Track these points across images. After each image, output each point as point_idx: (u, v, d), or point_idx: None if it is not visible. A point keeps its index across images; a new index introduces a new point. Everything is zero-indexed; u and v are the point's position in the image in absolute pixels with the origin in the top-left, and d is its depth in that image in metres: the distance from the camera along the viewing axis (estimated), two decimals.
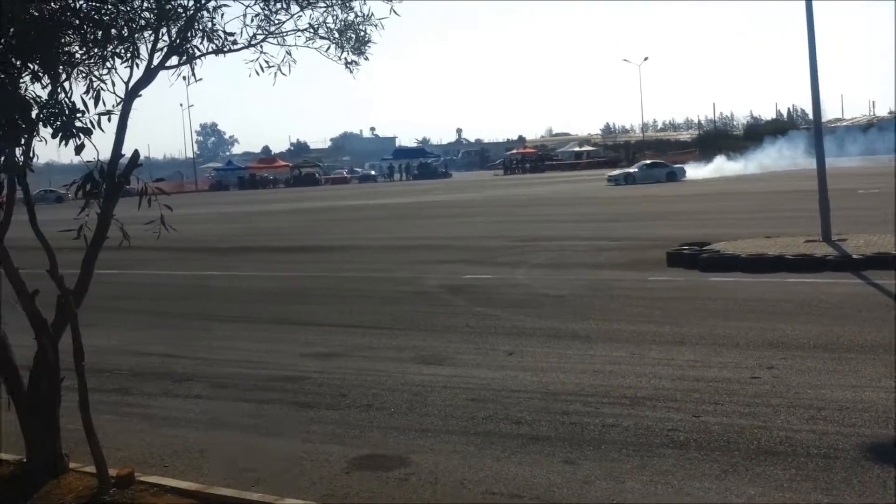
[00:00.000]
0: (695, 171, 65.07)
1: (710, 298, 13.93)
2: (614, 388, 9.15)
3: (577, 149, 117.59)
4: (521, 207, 40.51)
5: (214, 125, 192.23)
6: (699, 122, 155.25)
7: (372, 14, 7.36)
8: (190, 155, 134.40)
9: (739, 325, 11.72)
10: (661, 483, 6.59)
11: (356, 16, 7.36)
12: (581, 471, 6.93)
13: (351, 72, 7.64)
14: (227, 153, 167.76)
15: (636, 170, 62.44)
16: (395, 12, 7.32)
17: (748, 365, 9.69)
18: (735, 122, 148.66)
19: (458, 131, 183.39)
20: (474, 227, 30.59)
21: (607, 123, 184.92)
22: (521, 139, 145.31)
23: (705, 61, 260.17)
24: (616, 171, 65.01)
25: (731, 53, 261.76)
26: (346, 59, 7.54)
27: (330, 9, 7.30)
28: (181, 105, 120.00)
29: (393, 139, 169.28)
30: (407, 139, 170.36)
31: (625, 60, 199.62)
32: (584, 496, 6.46)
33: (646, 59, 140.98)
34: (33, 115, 6.01)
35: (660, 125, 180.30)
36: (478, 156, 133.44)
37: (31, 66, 6.04)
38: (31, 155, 6.36)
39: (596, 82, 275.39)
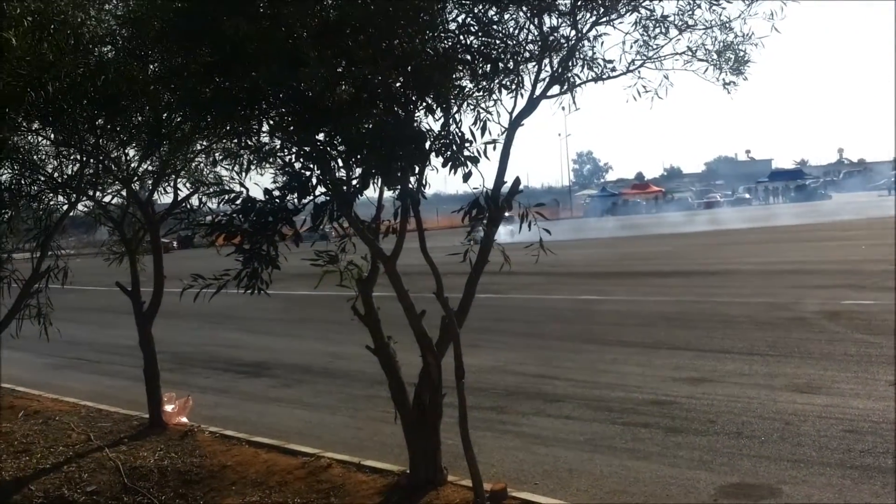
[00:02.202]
0: None
1: None
2: None
3: None
4: None
5: (590, 153, 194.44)
6: None
7: (752, 33, 7.15)
8: (566, 183, 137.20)
9: None
10: None
11: (735, 36, 7.18)
12: None
13: (728, 92, 7.45)
14: (602, 180, 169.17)
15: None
16: (776, 30, 7.04)
17: None
18: None
19: (840, 151, 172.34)
20: (856, 251, 28.65)
21: None
22: None
23: None
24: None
25: None
26: (723, 79, 7.37)
27: (709, 31, 7.17)
28: (559, 134, 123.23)
29: (769, 161, 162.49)
30: (784, 161, 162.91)
31: None
32: None
33: None
34: (427, 146, 6.41)
35: None
36: (861, 176, 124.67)
37: (426, 101, 6.46)
38: (423, 183, 6.79)
39: None
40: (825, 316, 15.50)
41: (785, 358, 12.28)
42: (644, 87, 7.24)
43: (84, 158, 9.24)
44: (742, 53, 7.26)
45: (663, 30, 7.09)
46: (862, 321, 14.67)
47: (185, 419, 10.52)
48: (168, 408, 10.54)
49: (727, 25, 7.13)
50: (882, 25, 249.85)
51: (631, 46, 7.13)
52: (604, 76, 7.06)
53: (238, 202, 6.66)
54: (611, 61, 7.05)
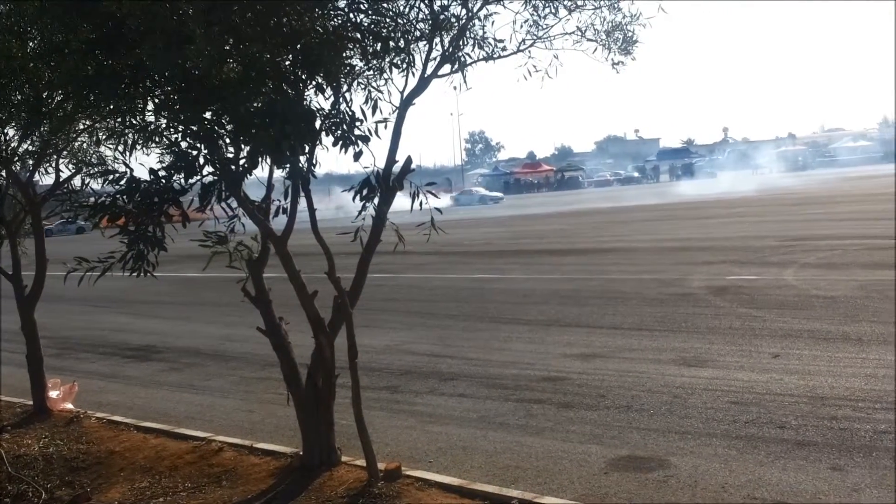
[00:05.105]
0: None
1: None
2: (888, 394, 8.65)
3: (850, 144, 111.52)
4: (790, 206, 38.52)
5: (482, 132, 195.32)
6: None
7: (640, 14, 7.29)
8: (458, 162, 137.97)
9: None
10: None
11: (624, 16, 7.32)
12: (850, 478, 6.62)
13: (617, 72, 7.60)
14: (494, 159, 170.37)
15: None
16: (662, 10, 7.19)
17: None
18: None
19: (724, 130, 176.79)
20: (740, 227, 29.54)
21: (885, 117, 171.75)
22: (791, 136, 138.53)
23: None
24: None
25: None
26: (612, 59, 7.51)
27: (598, 10, 7.29)
28: (451, 114, 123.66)
29: (657, 140, 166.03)
30: (671, 139, 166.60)
31: None
32: None
33: None
34: (317, 125, 6.34)
35: None
36: (744, 154, 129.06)
37: (316, 79, 6.38)
38: (314, 163, 6.71)
39: (874, 74, 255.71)
40: (711, 291, 15.90)
41: (673, 333, 12.56)
42: (535, 66, 7.32)
43: None
44: (630, 34, 7.41)
45: (553, 9, 7.18)
46: (746, 296, 15.09)
47: (70, 405, 10.26)
48: (53, 394, 10.27)
49: (615, 6, 7.28)
50: (763, 6, 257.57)
51: (521, 26, 7.21)
52: (494, 56, 7.11)
53: (122, 182, 6.50)
54: (501, 41, 7.10)
